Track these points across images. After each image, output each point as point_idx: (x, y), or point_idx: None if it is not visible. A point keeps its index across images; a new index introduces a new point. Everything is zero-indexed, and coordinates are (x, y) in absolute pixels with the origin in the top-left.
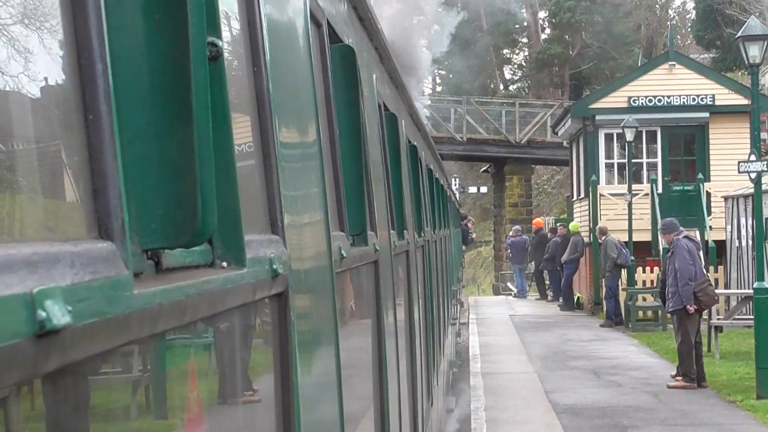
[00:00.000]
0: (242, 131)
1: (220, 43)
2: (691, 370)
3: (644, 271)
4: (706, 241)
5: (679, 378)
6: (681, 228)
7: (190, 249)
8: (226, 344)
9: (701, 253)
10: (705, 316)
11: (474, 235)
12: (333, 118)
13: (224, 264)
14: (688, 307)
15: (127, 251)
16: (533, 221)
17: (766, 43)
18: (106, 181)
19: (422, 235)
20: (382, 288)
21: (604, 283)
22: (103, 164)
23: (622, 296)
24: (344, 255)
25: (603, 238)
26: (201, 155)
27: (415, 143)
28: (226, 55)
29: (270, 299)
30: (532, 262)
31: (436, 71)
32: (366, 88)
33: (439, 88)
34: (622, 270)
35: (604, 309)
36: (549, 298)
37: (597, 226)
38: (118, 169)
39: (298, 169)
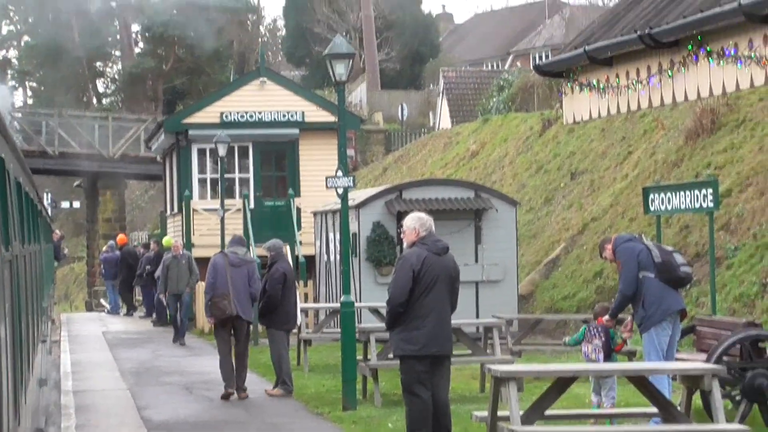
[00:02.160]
0: None
1: None
2: (225, 378)
3: None
4: (297, 256)
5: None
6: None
7: None
8: None
9: (249, 268)
10: (295, 330)
11: (66, 251)
12: None
13: None
14: (207, 319)
15: None
16: (117, 238)
17: (351, 61)
18: None
19: (9, 249)
20: None
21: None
22: None
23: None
24: None
25: (181, 253)
26: None
27: (2, 155)
28: None
29: None
30: None
31: (27, 83)
32: None
33: (30, 101)
34: None
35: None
36: (142, 314)
37: (170, 241)
38: None
39: None
